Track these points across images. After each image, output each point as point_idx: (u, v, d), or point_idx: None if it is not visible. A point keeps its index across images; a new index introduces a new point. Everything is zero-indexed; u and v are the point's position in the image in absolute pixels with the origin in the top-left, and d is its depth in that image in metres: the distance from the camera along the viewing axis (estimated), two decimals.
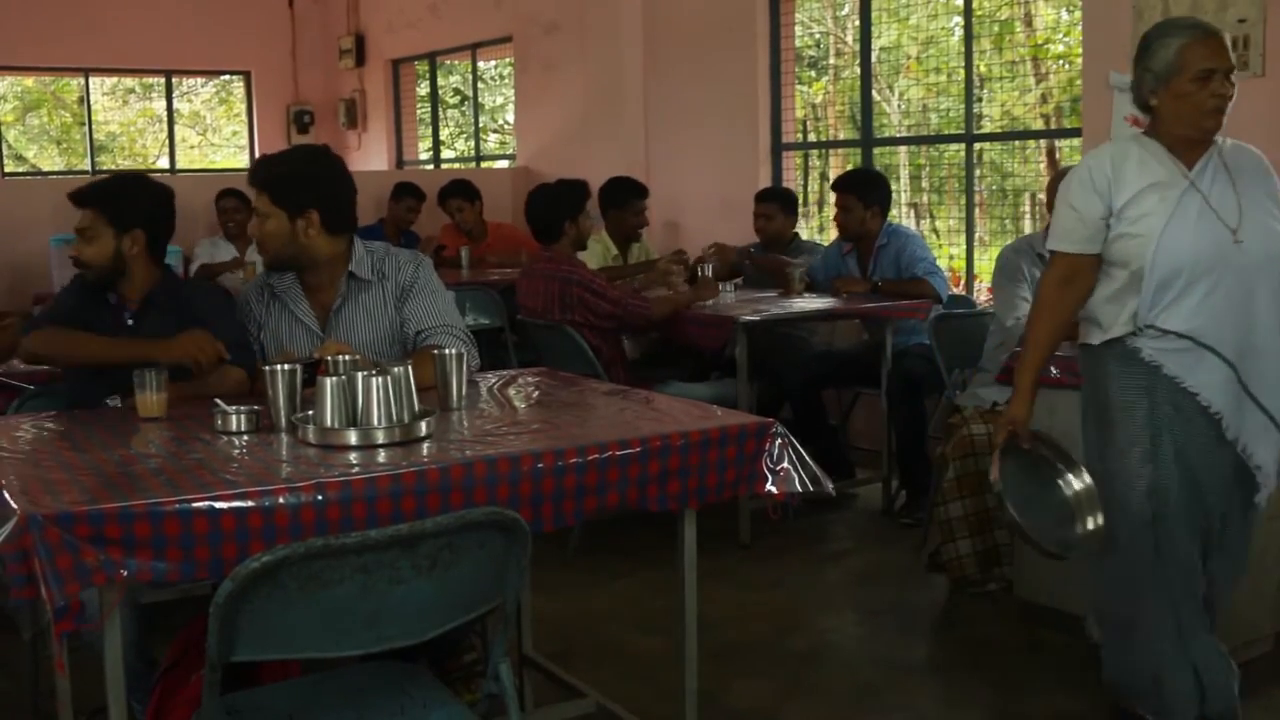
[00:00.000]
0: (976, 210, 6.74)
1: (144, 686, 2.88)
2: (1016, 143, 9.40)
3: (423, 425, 2.76)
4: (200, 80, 14.46)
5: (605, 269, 6.13)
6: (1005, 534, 4.39)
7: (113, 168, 14.31)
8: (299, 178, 3.47)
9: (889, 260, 5.85)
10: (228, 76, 13.33)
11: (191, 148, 15.02)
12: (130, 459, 2.61)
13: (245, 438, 2.80)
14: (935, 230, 9.46)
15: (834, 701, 3.79)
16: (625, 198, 6.54)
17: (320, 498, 2.37)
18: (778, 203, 6.53)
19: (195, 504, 2.28)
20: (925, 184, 10.04)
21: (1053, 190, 4.58)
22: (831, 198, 6.11)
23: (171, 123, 12.82)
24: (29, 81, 15.07)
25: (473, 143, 11.32)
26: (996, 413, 4.48)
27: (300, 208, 3.45)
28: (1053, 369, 4.04)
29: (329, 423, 2.74)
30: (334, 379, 2.77)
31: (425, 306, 3.53)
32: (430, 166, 11.07)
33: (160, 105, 13.39)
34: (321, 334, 3.50)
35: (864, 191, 5.89)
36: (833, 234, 6.39)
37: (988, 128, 8.51)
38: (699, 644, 3.03)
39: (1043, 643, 4.11)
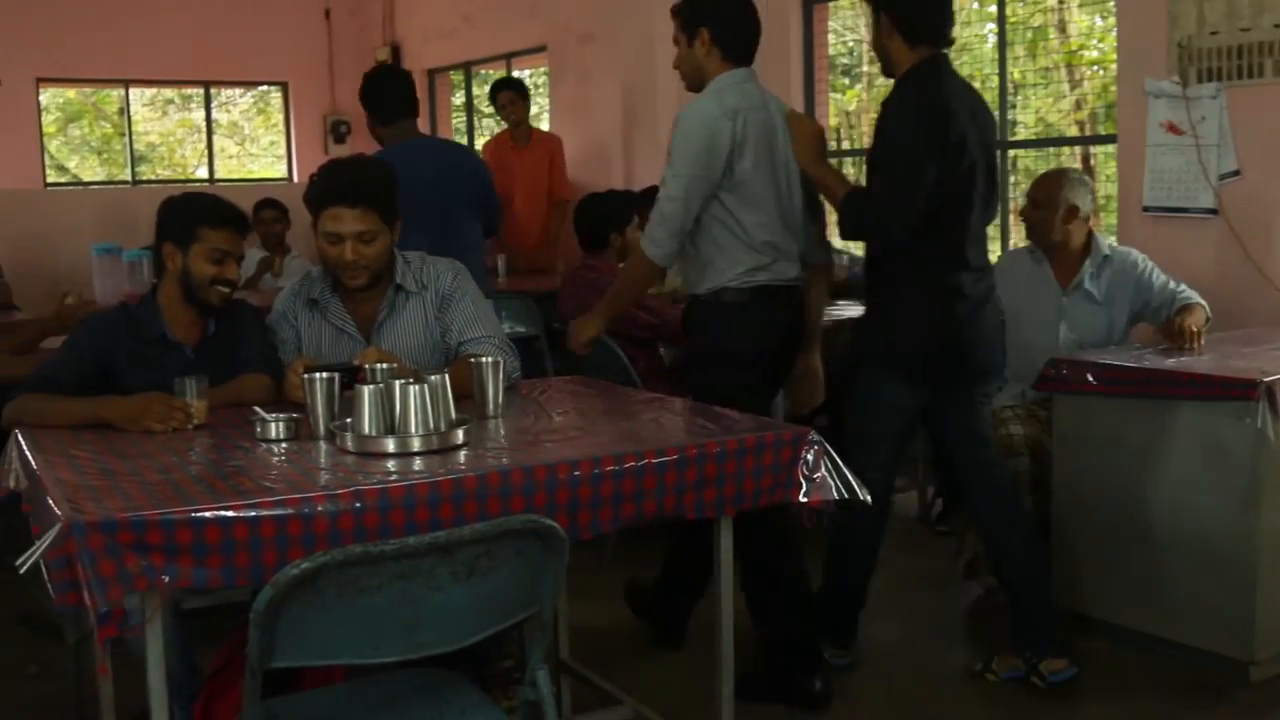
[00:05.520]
0: (1011, 217, 6.71)
1: (187, 692, 2.89)
2: (1051, 149, 9.35)
3: (459, 433, 2.76)
4: (238, 91, 14.54)
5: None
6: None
7: (153, 178, 14.42)
8: (393, 188, 3.41)
9: None
10: (265, 87, 13.41)
11: (230, 158, 15.09)
12: (171, 466, 2.62)
13: (284, 445, 2.81)
14: None
15: (872, 708, 3.78)
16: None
17: (358, 505, 2.38)
18: None
19: (235, 511, 2.29)
20: None
21: (1049, 189, 4.63)
22: None
23: (210, 133, 12.91)
24: (71, 93, 15.19)
25: None
26: (1034, 416, 4.47)
27: (395, 218, 3.42)
28: (1089, 376, 4.05)
29: (367, 430, 2.75)
30: (372, 387, 2.77)
31: (466, 316, 3.50)
32: None
33: (199, 116, 13.47)
34: (366, 345, 3.45)
35: None
36: None
37: (1022, 134, 8.47)
38: (736, 651, 3.02)
39: (1083, 651, 4.08)
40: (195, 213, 3.35)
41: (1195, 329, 4.29)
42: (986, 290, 3.88)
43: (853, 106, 10.85)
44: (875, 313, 3.96)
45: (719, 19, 3.89)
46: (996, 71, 6.68)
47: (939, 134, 3.63)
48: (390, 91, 5.24)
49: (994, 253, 6.81)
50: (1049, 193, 4.67)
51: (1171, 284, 4.60)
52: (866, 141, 8.62)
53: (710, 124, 3.74)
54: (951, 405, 3.94)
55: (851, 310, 5.66)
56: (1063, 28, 10.28)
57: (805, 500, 2.88)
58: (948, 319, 3.78)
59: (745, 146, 3.76)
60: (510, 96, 8.19)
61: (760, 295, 3.84)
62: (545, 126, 9.24)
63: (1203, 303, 4.52)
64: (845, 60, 10.07)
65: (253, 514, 2.30)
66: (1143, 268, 4.64)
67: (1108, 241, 4.79)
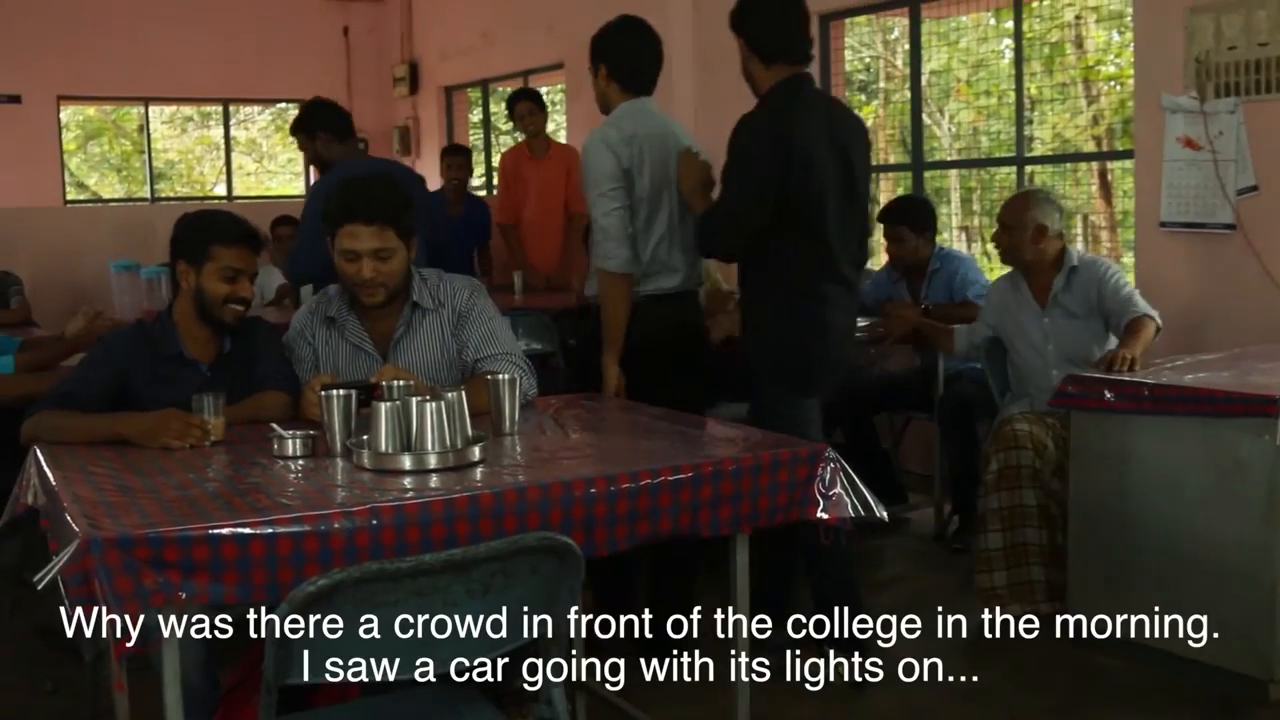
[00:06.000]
0: None
1: (206, 707, 2.89)
2: (1068, 165, 9.34)
3: (476, 450, 2.77)
4: (257, 108, 14.63)
5: None
6: (1035, 533, 4.42)
7: (171, 195, 14.50)
8: (410, 204, 3.43)
9: (941, 284, 5.80)
10: (284, 104, 13.48)
11: (248, 175, 15.18)
12: (188, 483, 2.63)
13: (301, 462, 2.81)
14: (985, 253, 9.40)
15: None
16: None
17: (375, 522, 2.38)
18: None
19: (252, 528, 2.29)
20: (976, 207, 10.00)
21: (1016, 211, 4.76)
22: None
23: (229, 150, 12.98)
24: (90, 110, 15.31)
25: None
26: (1042, 421, 4.47)
27: (411, 235, 3.43)
28: (1107, 393, 4.04)
29: (383, 447, 2.76)
30: (388, 404, 2.78)
31: (483, 333, 3.51)
32: (483, 193, 11.13)
33: (218, 133, 13.56)
34: (383, 362, 3.46)
35: (915, 220, 5.83)
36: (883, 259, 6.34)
37: (1039, 150, 8.46)
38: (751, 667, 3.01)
39: (1096, 667, 4.07)
40: (208, 231, 3.36)
41: (1129, 357, 4.23)
42: (851, 310, 4.15)
43: (870, 122, 10.83)
44: (749, 329, 4.11)
45: (613, 58, 4.31)
46: (1014, 87, 6.67)
47: (778, 149, 3.82)
48: (343, 113, 5.69)
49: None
50: (1017, 214, 4.78)
51: (1125, 292, 4.62)
52: (883, 158, 8.67)
53: (612, 145, 4.14)
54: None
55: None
56: (1080, 43, 10.29)
57: (823, 517, 2.88)
58: (814, 321, 3.96)
59: (642, 168, 4.13)
60: (529, 107, 8.22)
61: (650, 301, 4.16)
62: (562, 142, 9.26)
63: (1152, 314, 4.52)
64: (862, 76, 10.08)
65: (269, 531, 2.30)
66: (1104, 273, 4.69)
67: (1078, 253, 4.84)
